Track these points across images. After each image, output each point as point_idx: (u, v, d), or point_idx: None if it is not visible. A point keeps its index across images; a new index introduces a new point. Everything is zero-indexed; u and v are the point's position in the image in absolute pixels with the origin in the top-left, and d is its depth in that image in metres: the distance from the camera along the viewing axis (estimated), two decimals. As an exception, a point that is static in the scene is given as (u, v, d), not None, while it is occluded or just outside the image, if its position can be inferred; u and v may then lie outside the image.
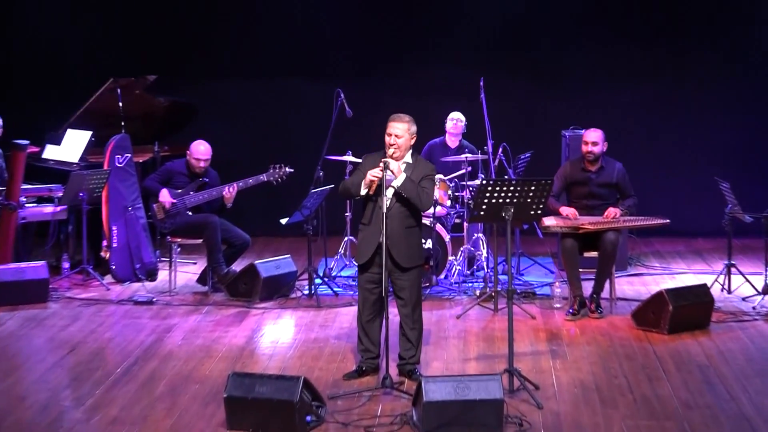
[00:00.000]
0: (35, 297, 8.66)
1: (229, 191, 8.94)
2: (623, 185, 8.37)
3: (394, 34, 11.65)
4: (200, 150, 9.06)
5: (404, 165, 6.61)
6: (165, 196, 8.96)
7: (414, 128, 6.67)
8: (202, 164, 9.05)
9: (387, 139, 6.62)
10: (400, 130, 6.60)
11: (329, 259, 9.58)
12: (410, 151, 6.69)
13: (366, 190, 6.54)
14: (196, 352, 7.37)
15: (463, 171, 9.34)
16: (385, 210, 6.41)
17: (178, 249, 9.23)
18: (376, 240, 6.49)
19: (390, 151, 6.57)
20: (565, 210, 8.25)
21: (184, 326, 8.05)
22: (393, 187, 6.54)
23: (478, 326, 8.01)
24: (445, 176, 9.36)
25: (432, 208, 8.83)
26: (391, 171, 6.50)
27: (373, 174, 6.48)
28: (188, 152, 9.11)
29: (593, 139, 8.31)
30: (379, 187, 6.45)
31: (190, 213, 9.01)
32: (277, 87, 11.73)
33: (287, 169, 9.03)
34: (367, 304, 6.70)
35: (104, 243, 9.50)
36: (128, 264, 9.47)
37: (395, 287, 6.70)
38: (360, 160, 6.85)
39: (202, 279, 9.22)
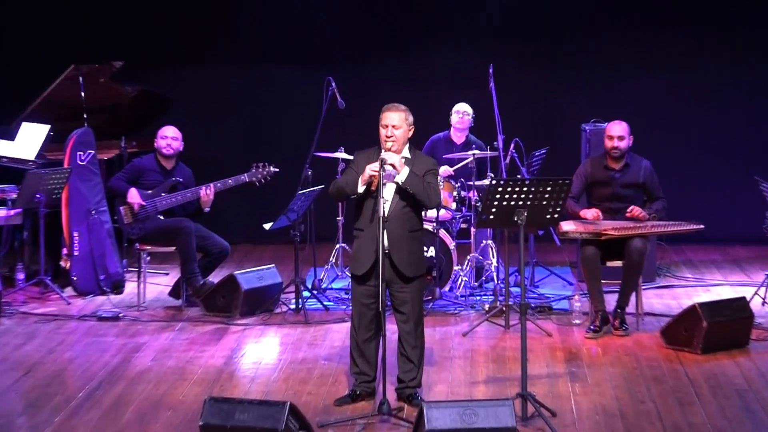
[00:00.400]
0: (-14, 312, 8.66)
1: (206, 193, 8.92)
2: (651, 186, 8.36)
3: (392, 15, 11.64)
4: (168, 130, 9.05)
5: (403, 159, 6.59)
6: (134, 196, 8.93)
7: (411, 118, 6.66)
8: (169, 142, 9.03)
9: (382, 131, 6.60)
10: (397, 120, 6.59)
11: (319, 269, 9.56)
12: (407, 144, 6.67)
13: (364, 188, 6.51)
14: (168, 374, 7.35)
15: (469, 158, 9.30)
16: (383, 213, 6.39)
17: (148, 258, 9.21)
18: (375, 247, 6.45)
19: (387, 145, 6.55)
20: (586, 213, 8.24)
21: (154, 345, 8.03)
22: (396, 183, 6.51)
23: (487, 345, 8.00)
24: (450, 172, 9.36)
25: (435, 210, 8.82)
26: (392, 166, 6.47)
27: (373, 168, 6.46)
28: (155, 140, 9.09)
29: (619, 132, 8.30)
30: (379, 186, 6.42)
31: (161, 217, 9.00)
32: (260, 75, 11.72)
33: (272, 168, 9.01)
34: (364, 321, 6.67)
35: (64, 251, 9.48)
36: (91, 275, 9.44)
37: (395, 300, 6.68)
38: (352, 157, 6.83)
39: (174, 292, 9.20)
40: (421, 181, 6.54)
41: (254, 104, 11.75)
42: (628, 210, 8.18)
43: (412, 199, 6.55)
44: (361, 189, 6.53)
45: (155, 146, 9.10)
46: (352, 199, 6.70)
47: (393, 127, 6.58)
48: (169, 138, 9.06)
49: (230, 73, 11.74)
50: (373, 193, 6.52)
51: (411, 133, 6.68)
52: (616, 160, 8.33)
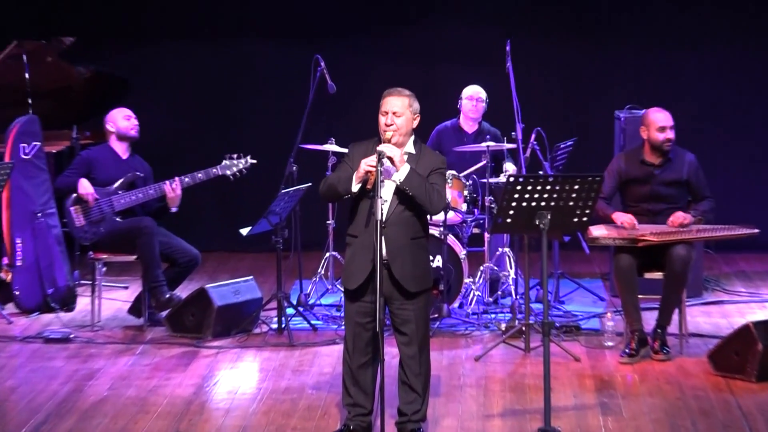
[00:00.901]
0: None
1: (172, 188, 8.92)
2: (696, 183, 8.38)
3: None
4: (126, 111, 9.10)
5: (406, 155, 6.60)
6: (85, 186, 8.87)
7: (416, 105, 6.66)
8: (134, 122, 9.06)
9: (382, 119, 6.61)
10: (399, 106, 6.59)
11: (305, 281, 9.58)
12: (412, 137, 6.69)
13: (359, 186, 6.52)
14: (127, 405, 7.35)
15: (483, 162, 9.33)
16: (380, 216, 6.40)
17: (104, 268, 9.21)
18: (372, 256, 6.46)
19: (387, 135, 6.56)
20: (620, 217, 8.25)
21: (111, 371, 8.03)
22: (394, 182, 6.52)
23: (503, 371, 8.01)
24: (459, 172, 9.37)
25: (443, 213, 8.83)
26: (390, 160, 6.48)
27: (369, 163, 6.46)
28: (109, 124, 9.07)
29: (671, 122, 8.29)
30: (376, 184, 6.43)
31: (118, 219, 8.98)
32: (235, 53, 11.73)
33: (249, 160, 9.02)
34: (360, 344, 6.67)
35: (5, 261, 9.49)
36: (37, 288, 9.46)
37: (395, 319, 6.68)
38: (346, 150, 6.84)
39: (135, 309, 9.21)
40: (423, 181, 6.53)
41: (228, 87, 11.76)
42: (670, 219, 8.19)
43: (412, 201, 6.55)
44: (355, 188, 6.53)
45: (116, 130, 9.06)
46: (345, 200, 6.70)
47: (394, 114, 6.58)
48: (133, 118, 9.09)
49: (200, 51, 11.74)
50: (369, 192, 6.52)
51: (416, 122, 6.68)
52: (660, 154, 8.32)
